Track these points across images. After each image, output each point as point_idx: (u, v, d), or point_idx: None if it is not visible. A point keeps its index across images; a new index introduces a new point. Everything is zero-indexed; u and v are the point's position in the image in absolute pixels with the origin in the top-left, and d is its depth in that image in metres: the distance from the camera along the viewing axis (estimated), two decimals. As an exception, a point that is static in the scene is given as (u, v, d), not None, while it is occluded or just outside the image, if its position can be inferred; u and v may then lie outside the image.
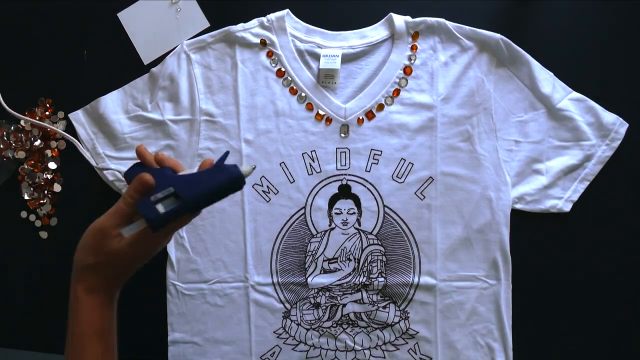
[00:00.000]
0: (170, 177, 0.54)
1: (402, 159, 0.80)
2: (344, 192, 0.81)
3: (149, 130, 0.82)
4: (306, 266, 0.81)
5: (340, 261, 0.81)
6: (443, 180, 0.79)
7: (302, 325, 0.81)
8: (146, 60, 0.84)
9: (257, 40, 0.81)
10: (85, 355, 0.50)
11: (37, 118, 0.84)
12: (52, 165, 0.84)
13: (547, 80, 0.79)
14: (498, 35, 0.79)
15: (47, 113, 0.85)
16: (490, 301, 0.80)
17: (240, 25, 0.82)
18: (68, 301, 0.84)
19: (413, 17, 0.80)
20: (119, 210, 0.51)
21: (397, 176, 0.80)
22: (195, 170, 0.56)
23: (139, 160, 0.58)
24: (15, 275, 0.85)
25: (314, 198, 0.81)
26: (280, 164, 0.81)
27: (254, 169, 0.56)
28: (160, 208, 0.51)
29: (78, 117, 0.83)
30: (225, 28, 0.82)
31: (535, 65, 0.79)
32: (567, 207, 0.80)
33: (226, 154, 0.56)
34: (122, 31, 0.85)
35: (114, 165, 0.81)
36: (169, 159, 0.56)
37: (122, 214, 0.51)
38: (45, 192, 0.85)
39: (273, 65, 0.82)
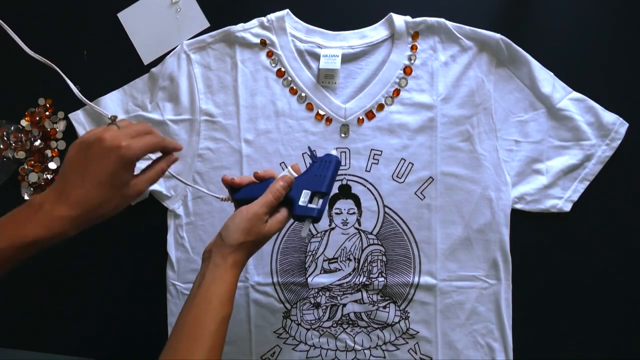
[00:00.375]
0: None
1: (402, 159, 0.80)
2: (344, 192, 0.81)
3: (149, 130, 0.82)
4: (306, 266, 0.81)
5: (341, 261, 0.81)
6: (443, 180, 0.79)
7: (302, 325, 0.81)
8: (146, 60, 0.85)
9: (257, 40, 0.81)
10: (221, 316, 0.59)
11: (37, 118, 0.84)
12: (52, 165, 0.84)
13: (547, 80, 0.79)
14: (498, 35, 0.79)
15: (47, 113, 0.85)
16: (491, 301, 0.80)
17: (240, 25, 0.82)
18: (68, 301, 0.84)
19: (413, 17, 0.80)
20: (269, 203, 0.63)
21: (397, 176, 0.80)
22: (287, 173, 0.67)
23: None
24: (16, 275, 0.85)
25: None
26: (280, 164, 0.81)
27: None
28: (314, 205, 0.65)
29: (78, 117, 0.83)
30: (225, 28, 0.82)
31: (535, 65, 0.79)
32: (567, 207, 0.80)
33: (310, 149, 0.70)
34: (122, 31, 0.85)
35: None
36: (266, 172, 0.67)
37: (272, 206, 0.63)
38: (45, 192, 0.85)
39: (273, 65, 0.82)
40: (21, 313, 0.85)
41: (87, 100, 0.74)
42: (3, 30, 0.84)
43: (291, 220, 0.80)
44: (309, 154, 0.69)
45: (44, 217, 0.55)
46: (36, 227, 0.54)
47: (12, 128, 0.84)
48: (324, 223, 0.81)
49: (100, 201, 0.56)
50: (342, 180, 0.81)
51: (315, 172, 0.67)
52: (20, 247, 0.54)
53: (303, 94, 0.81)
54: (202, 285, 0.61)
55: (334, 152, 0.69)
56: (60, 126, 0.85)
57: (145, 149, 0.58)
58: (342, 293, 0.81)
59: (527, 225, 0.80)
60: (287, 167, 0.67)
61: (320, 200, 0.66)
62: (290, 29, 0.82)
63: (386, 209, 0.80)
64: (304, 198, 0.65)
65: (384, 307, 0.80)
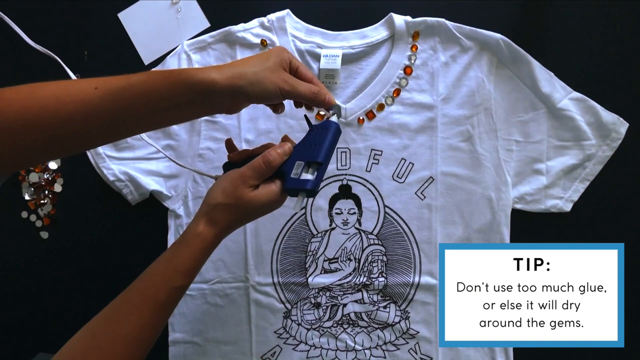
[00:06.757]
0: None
1: (402, 159, 0.80)
2: (345, 192, 0.81)
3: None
4: (307, 266, 0.81)
5: (341, 261, 0.81)
6: (443, 180, 0.80)
7: (302, 325, 0.81)
8: (146, 60, 0.84)
9: (258, 41, 0.81)
10: (174, 285, 0.54)
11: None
12: (52, 165, 0.84)
13: (547, 80, 0.79)
14: (498, 35, 0.79)
15: (47, 113, 0.85)
16: (491, 301, 0.80)
17: (241, 26, 0.82)
18: (68, 302, 0.84)
19: (413, 17, 0.80)
20: (259, 169, 0.57)
21: (397, 176, 0.80)
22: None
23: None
24: (16, 276, 0.85)
25: (314, 198, 0.81)
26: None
27: (338, 109, 0.63)
28: (309, 177, 0.58)
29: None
30: (226, 28, 0.82)
31: (536, 65, 0.79)
32: (568, 207, 0.80)
33: (306, 116, 0.63)
34: (122, 31, 0.85)
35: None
36: (257, 148, 0.63)
37: (262, 173, 0.57)
38: (46, 192, 0.85)
39: (273, 65, 0.81)
40: (21, 313, 0.85)
41: None
42: (3, 31, 0.83)
43: (292, 220, 0.81)
44: (306, 121, 0.62)
45: None
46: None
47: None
48: (324, 223, 0.81)
49: None
50: (342, 180, 0.81)
51: (311, 141, 0.60)
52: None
53: (303, 94, 0.81)
54: (168, 250, 0.56)
55: (333, 119, 0.61)
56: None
57: None
58: (342, 293, 0.81)
59: (527, 225, 0.80)
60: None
61: (316, 171, 0.58)
62: (291, 29, 0.82)
63: (386, 209, 0.80)
64: (296, 170, 0.58)
65: (385, 307, 0.80)
